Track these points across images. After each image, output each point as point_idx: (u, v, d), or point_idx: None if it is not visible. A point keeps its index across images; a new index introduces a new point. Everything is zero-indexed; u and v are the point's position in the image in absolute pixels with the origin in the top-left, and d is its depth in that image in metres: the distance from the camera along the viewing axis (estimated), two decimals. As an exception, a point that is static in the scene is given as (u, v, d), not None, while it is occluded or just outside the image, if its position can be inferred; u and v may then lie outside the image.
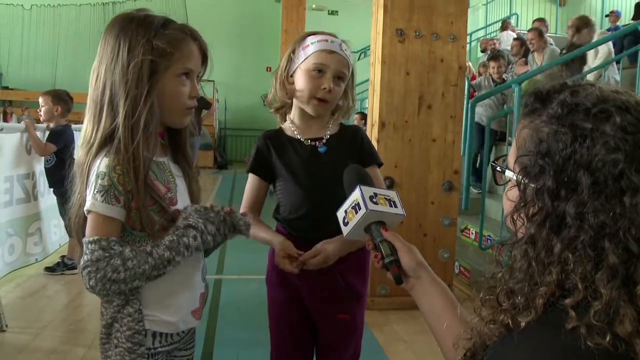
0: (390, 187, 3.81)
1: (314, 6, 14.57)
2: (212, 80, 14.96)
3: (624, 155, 0.75)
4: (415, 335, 3.39)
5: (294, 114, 1.82)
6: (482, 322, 0.87)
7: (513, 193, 0.87)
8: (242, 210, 1.82)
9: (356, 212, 1.17)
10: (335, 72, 1.71)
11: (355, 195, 1.19)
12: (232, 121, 15.55)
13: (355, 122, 8.26)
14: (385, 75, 3.85)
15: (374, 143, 3.90)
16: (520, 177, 0.84)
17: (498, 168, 0.93)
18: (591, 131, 0.77)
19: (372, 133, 3.97)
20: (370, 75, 4.10)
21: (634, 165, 0.75)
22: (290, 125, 1.81)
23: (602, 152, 0.76)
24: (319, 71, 1.70)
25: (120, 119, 1.25)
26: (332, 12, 15.48)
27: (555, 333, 0.75)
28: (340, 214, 1.22)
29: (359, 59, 14.19)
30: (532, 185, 0.81)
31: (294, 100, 1.79)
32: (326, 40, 1.72)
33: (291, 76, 1.77)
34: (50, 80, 13.53)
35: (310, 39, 1.74)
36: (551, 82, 0.88)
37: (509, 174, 0.89)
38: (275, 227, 1.84)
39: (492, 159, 5.24)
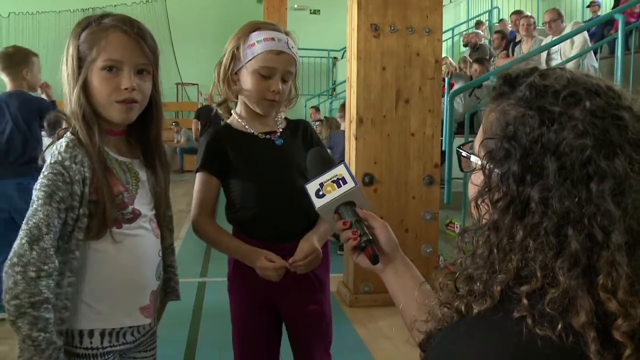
0: (369, 183, 3.81)
1: (295, 6, 14.53)
2: (195, 84, 14.91)
3: (592, 140, 0.73)
4: (399, 331, 3.36)
5: (240, 109, 1.76)
6: (438, 304, 0.86)
7: (478, 178, 0.84)
8: (194, 212, 1.73)
9: (338, 186, 1.18)
10: (283, 74, 1.67)
11: (339, 170, 1.20)
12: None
13: (338, 119, 8.24)
14: (362, 71, 3.83)
15: (353, 139, 3.89)
16: (485, 161, 0.81)
17: (463, 153, 0.90)
18: (559, 115, 0.75)
19: (351, 129, 3.95)
20: (347, 71, 4.08)
21: (602, 151, 0.73)
22: (239, 120, 1.75)
23: (570, 137, 0.73)
24: (267, 76, 1.65)
25: (66, 109, 1.33)
26: (314, 12, 15.44)
27: (502, 324, 0.73)
28: (312, 186, 1.21)
29: (342, 57, 14.19)
30: (497, 170, 0.79)
31: (239, 96, 1.74)
32: (273, 39, 1.66)
33: (236, 74, 1.71)
34: (32, 88, 13.41)
35: (255, 37, 1.66)
36: (521, 67, 0.85)
37: (474, 159, 0.86)
38: (232, 230, 1.78)
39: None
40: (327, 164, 1.27)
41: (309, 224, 1.69)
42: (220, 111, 1.82)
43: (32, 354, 1.18)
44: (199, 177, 1.74)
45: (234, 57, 1.70)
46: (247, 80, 1.68)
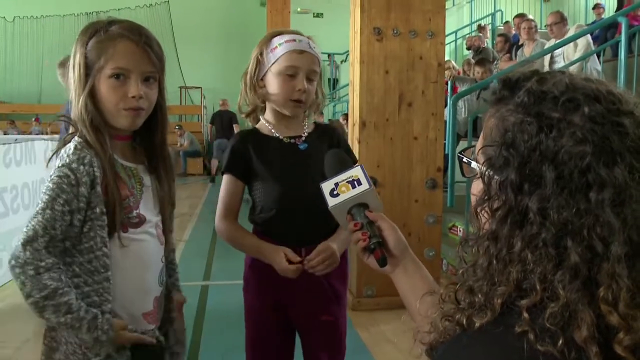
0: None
1: (299, 9, 14.56)
2: (199, 87, 14.95)
3: (591, 147, 0.71)
4: (402, 335, 3.35)
5: (268, 115, 1.79)
6: (440, 317, 0.84)
7: (476, 186, 0.83)
8: (218, 213, 1.76)
9: (353, 187, 1.19)
10: (308, 72, 1.69)
11: (355, 172, 1.21)
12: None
13: (342, 122, 8.26)
14: (365, 75, 3.82)
15: (355, 143, 3.89)
16: (485, 168, 0.79)
17: (464, 159, 0.88)
18: (558, 121, 0.73)
19: (354, 133, 3.95)
20: (349, 75, 4.08)
21: (601, 159, 0.70)
22: (267, 124, 1.78)
23: (568, 144, 0.71)
24: (291, 75, 1.68)
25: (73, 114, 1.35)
26: (317, 15, 15.48)
27: (503, 338, 0.72)
28: (327, 185, 1.22)
29: (345, 60, 14.21)
30: (497, 178, 0.77)
31: (267, 102, 1.77)
32: (294, 40, 1.69)
33: (261, 79, 1.74)
34: (36, 92, 13.47)
35: (277, 40, 1.71)
36: (522, 70, 0.83)
37: (474, 165, 0.84)
38: (252, 231, 1.80)
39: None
40: (344, 164, 1.28)
41: (328, 228, 1.70)
42: (250, 122, 1.85)
43: (74, 333, 1.27)
44: (224, 179, 1.78)
45: (259, 63, 1.74)
46: (272, 83, 1.71)
